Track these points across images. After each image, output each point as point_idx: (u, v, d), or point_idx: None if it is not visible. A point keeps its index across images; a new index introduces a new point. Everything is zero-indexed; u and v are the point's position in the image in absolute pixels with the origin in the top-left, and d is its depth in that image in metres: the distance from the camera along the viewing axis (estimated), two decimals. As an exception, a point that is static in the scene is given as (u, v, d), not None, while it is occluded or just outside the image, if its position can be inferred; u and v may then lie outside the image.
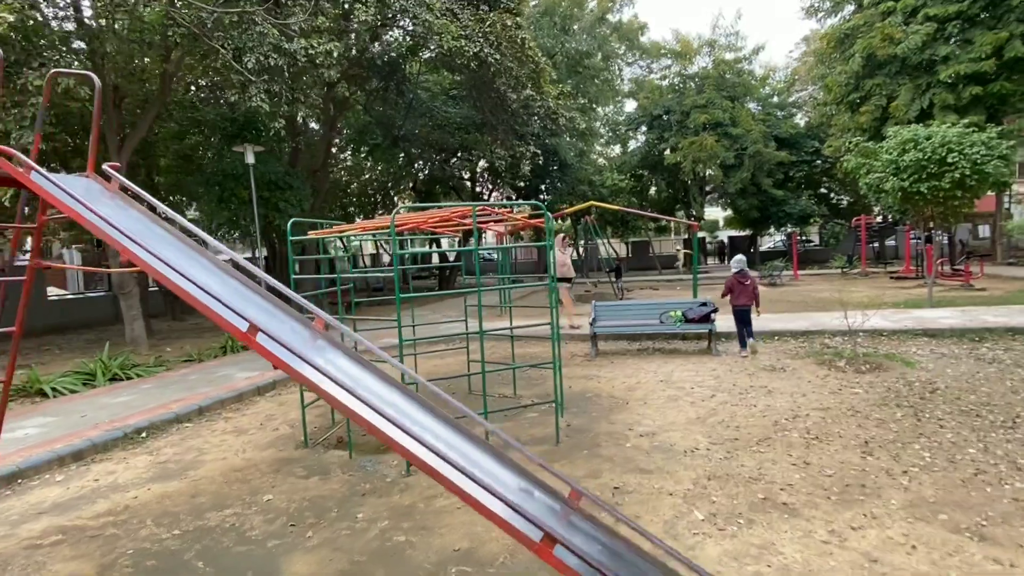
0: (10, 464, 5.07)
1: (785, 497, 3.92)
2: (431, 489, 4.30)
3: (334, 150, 21.86)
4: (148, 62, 12.72)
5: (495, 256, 25.61)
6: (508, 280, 8.22)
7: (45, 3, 10.15)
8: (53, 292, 19.13)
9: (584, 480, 4.38)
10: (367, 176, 25.96)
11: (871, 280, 19.32)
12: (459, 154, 22.05)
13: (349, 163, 25.61)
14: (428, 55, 14.94)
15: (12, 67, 9.02)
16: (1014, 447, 4.54)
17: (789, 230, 29.19)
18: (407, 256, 9.83)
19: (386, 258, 31.97)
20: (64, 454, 5.38)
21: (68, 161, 13.20)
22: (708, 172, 27.68)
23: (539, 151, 18.04)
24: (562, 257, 11.07)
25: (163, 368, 9.51)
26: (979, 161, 11.04)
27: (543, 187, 24.78)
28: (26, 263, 4.52)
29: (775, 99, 29.99)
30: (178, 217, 3.09)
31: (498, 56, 13.17)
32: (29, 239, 10.18)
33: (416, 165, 23.61)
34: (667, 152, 27.26)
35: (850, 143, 16.37)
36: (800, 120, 30.14)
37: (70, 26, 10.66)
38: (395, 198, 26.78)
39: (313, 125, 19.81)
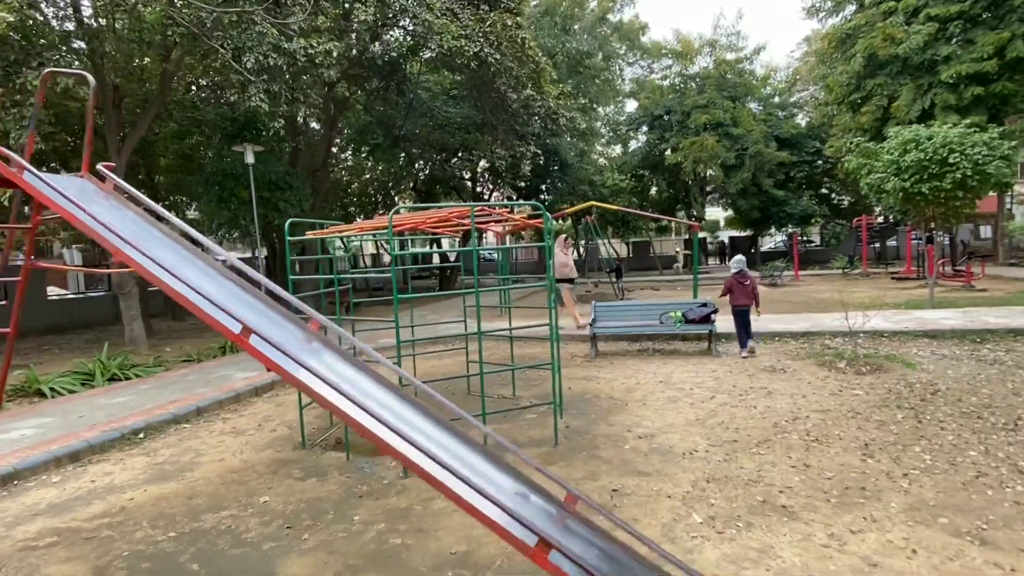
0: (6, 465, 5.05)
1: (784, 500, 3.89)
2: (428, 491, 4.27)
3: (335, 150, 21.85)
4: (148, 62, 12.72)
5: (495, 256, 25.61)
6: (508, 280, 8.20)
7: (45, 3, 10.14)
8: (53, 292, 19.13)
9: (582, 482, 4.35)
10: (368, 176, 25.95)
11: (872, 281, 19.28)
12: (460, 154, 22.04)
13: (350, 163, 25.60)
14: (428, 55, 14.92)
15: (11, 66, 9.01)
16: (1015, 449, 4.51)
17: (790, 230, 29.15)
18: (408, 256, 9.82)
19: (387, 258, 31.95)
20: (61, 455, 5.36)
21: (68, 161, 13.21)
22: (709, 172, 27.64)
23: (540, 151, 18.02)
24: (564, 258, 11.03)
25: (162, 368, 9.50)
26: (980, 162, 10.99)
27: (544, 187, 24.75)
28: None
29: (776, 99, 29.96)
30: (172, 217, 3.07)
31: (498, 56, 13.14)
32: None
33: (417, 165, 23.60)
34: (668, 152, 27.24)
35: (851, 143, 16.33)
36: (801, 120, 30.09)
37: (70, 26, 10.65)
38: (396, 198, 26.77)
39: (313, 125, 19.82)
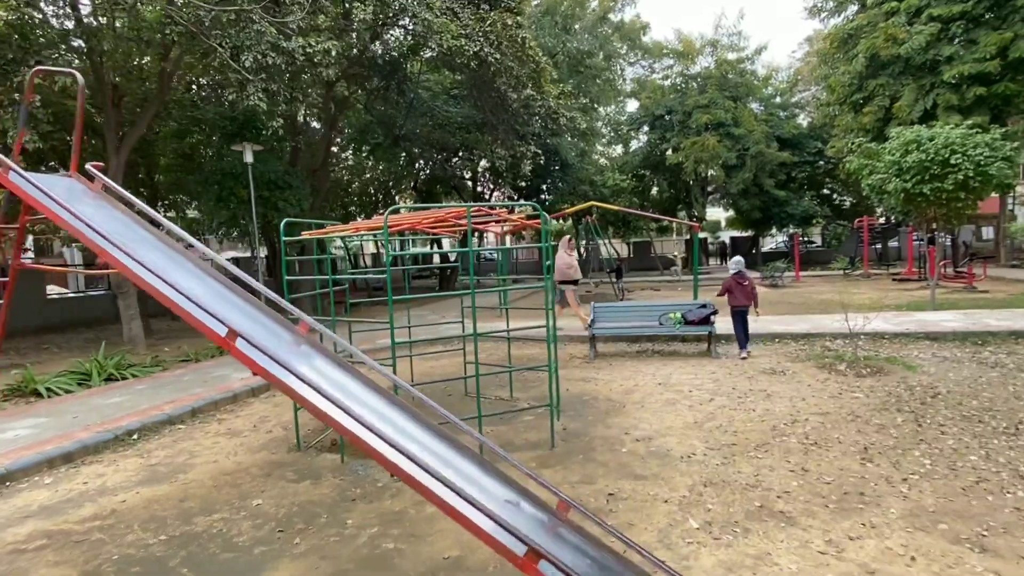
0: (-1, 466, 5.02)
1: (782, 505, 3.85)
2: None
3: (335, 149, 21.81)
4: (147, 60, 12.69)
5: (495, 256, 25.56)
6: (507, 281, 8.15)
7: (44, 1, 10.11)
8: (53, 290, 19.12)
9: (578, 486, 4.31)
10: (368, 175, 25.93)
11: (873, 282, 19.21)
12: (460, 154, 22.00)
13: (350, 162, 25.57)
14: (429, 54, 14.87)
15: (9, 65, 8.99)
16: (1016, 454, 4.46)
17: (791, 231, 29.09)
18: (407, 256, 9.77)
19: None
20: (54, 456, 5.32)
21: (67, 160, 13.14)
22: (710, 172, 27.58)
23: (540, 151, 17.97)
24: (568, 259, 10.94)
25: (159, 368, 9.46)
26: (983, 163, 10.93)
27: (544, 187, 24.71)
28: (24, 262, 4.46)
29: (778, 99, 29.88)
30: (161, 218, 3.03)
31: (498, 55, 13.10)
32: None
33: (417, 165, 23.57)
34: (669, 152, 27.18)
35: (853, 144, 16.27)
36: (803, 120, 30.02)
37: (69, 24, 10.63)
38: (396, 198, 26.74)
39: (313, 124, 19.79)
